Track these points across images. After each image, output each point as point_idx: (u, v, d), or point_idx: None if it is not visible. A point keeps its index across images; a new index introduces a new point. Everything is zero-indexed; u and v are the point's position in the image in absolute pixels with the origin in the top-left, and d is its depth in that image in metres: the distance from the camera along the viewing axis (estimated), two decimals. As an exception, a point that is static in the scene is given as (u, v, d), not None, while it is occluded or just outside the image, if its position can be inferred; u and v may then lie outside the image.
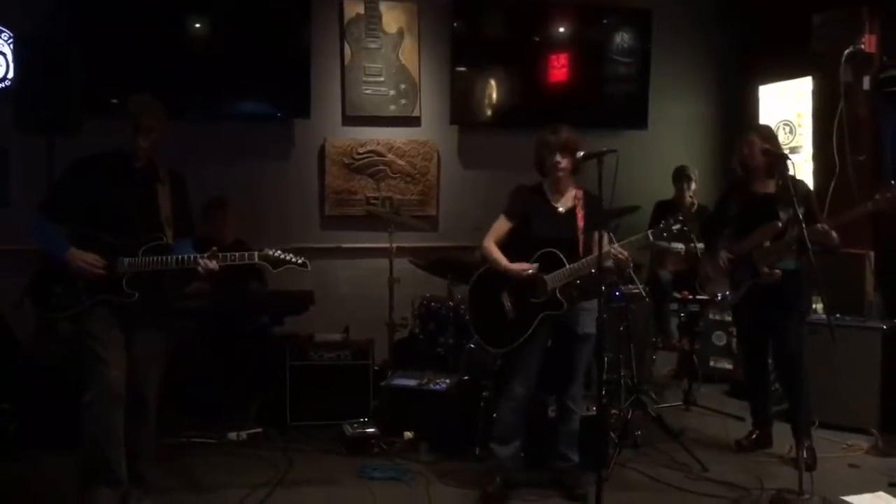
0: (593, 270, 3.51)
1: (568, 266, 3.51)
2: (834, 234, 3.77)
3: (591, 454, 3.62)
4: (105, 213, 3.22)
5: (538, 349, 3.60)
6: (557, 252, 3.53)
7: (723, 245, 4.20)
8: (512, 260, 3.61)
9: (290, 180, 5.81)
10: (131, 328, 3.23)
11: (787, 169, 3.73)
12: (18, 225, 3.48)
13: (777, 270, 3.93)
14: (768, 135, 4.15)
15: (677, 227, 3.39)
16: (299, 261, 3.28)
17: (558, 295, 3.52)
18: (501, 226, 3.70)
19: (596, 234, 3.49)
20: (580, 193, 3.66)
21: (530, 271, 3.52)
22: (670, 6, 6.29)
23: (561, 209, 3.65)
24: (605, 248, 3.39)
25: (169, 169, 3.38)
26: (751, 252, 4.03)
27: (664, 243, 5.10)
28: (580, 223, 3.59)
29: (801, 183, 4.13)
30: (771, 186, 4.07)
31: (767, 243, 3.99)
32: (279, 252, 3.27)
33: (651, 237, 3.46)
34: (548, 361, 3.63)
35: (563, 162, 3.57)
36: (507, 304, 3.62)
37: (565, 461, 3.69)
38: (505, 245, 3.67)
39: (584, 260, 3.50)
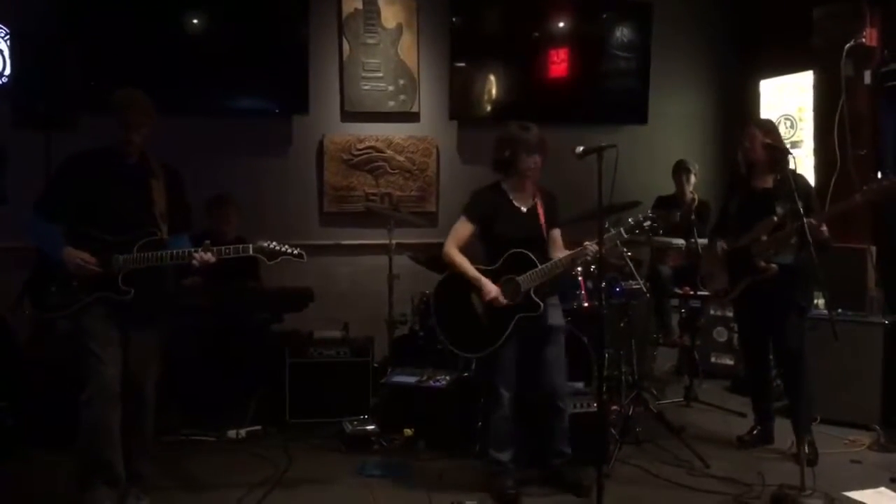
0: (593, 268, 3.49)
1: (540, 266, 3.48)
2: (824, 228, 3.74)
3: (591, 451, 3.60)
4: (99, 210, 3.20)
5: (513, 348, 3.55)
6: (528, 252, 3.50)
7: (720, 237, 4.18)
8: (479, 262, 3.57)
9: (288, 177, 5.79)
10: (128, 325, 3.22)
11: (787, 164, 3.71)
12: (16, 222, 3.46)
13: (773, 265, 3.91)
14: (770, 129, 4.12)
15: (648, 223, 3.39)
16: (295, 251, 3.25)
17: (533, 296, 3.49)
18: (464, 229, 3.62)
19: (576, 235, 3.51)
20: (537, 191, 3.65)
21: (502, 300, 3.46)
22: (671, 0, 6.26)
23: (523, 208, 3.63)
24: (560, 246, 3.45)
25: (163, 164, 3.35)
26: (749, 247, 4.02)
27: (663, 239, 5.08)
28: (542, 220, 3.58)
29: (802, 178, 4.10)
30: (770, 182, 4.05)
31: (765, 237, 3.97)
32: (274, 244, 3.24)
33: (624, 234, 3.44)
34: (526, 361, 3.59)
35: (539, 163, 3.58)
36: (479, 307, 3.55)
37: (562, 457, 3.67)
38: (469, 247, 3.62)
39: (557, 259, 3.48)
